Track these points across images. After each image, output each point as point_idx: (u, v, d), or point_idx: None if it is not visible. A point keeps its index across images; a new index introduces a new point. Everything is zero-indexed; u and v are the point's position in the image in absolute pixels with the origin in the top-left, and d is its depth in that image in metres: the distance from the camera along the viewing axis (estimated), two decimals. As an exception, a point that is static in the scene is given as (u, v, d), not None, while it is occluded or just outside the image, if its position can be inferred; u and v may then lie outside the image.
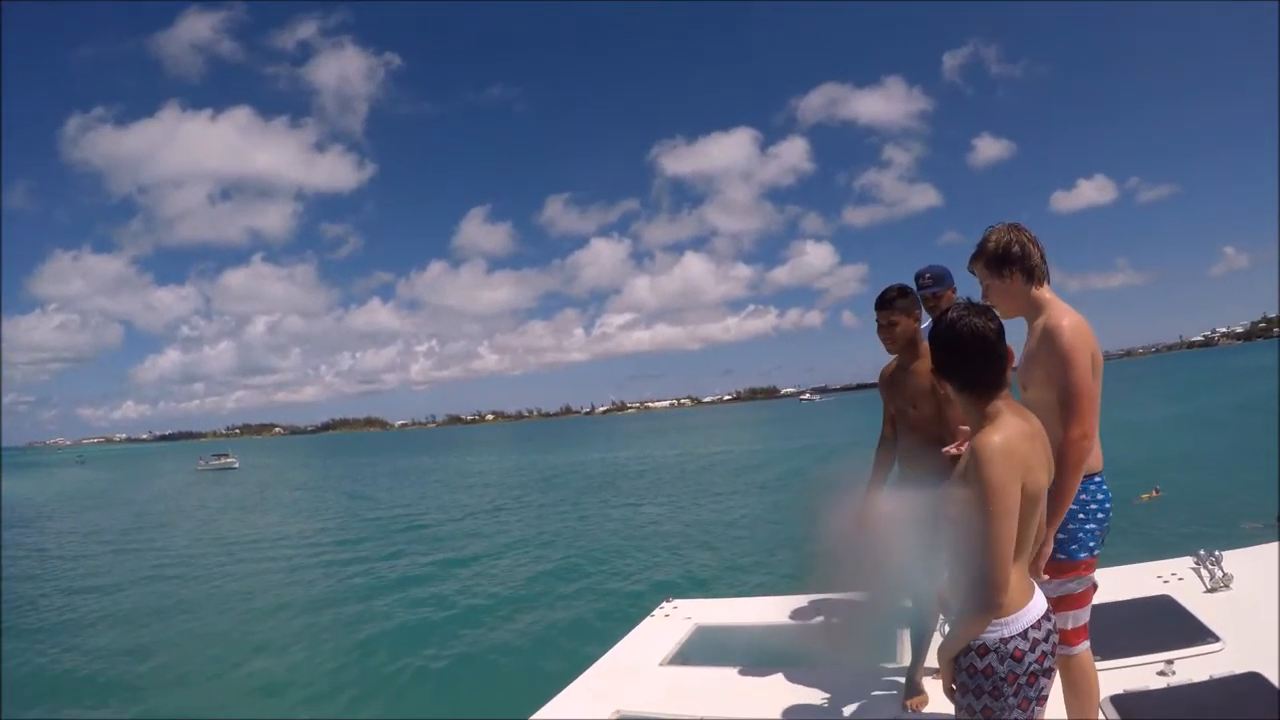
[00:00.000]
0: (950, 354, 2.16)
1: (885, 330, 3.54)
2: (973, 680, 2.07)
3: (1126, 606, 3.91)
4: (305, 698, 9.29)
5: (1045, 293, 2.79)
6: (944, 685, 2.20)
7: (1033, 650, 2.03)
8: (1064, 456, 2.51)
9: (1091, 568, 2.74)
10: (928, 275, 4.35)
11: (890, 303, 3.54)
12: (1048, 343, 2.66)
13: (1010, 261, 2.78)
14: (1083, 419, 2.57)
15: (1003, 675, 2.03)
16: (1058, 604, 2.60)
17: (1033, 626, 2.05)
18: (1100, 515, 2.74)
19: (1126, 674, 3.22)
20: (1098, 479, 2.76)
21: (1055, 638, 2.12)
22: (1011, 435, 2.02)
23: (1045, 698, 2.11)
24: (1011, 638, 2.03)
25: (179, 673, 10.39)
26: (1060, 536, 2.65)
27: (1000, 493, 1.95)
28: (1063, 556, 2.67)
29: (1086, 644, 2.75)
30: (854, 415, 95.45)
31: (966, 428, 2.36)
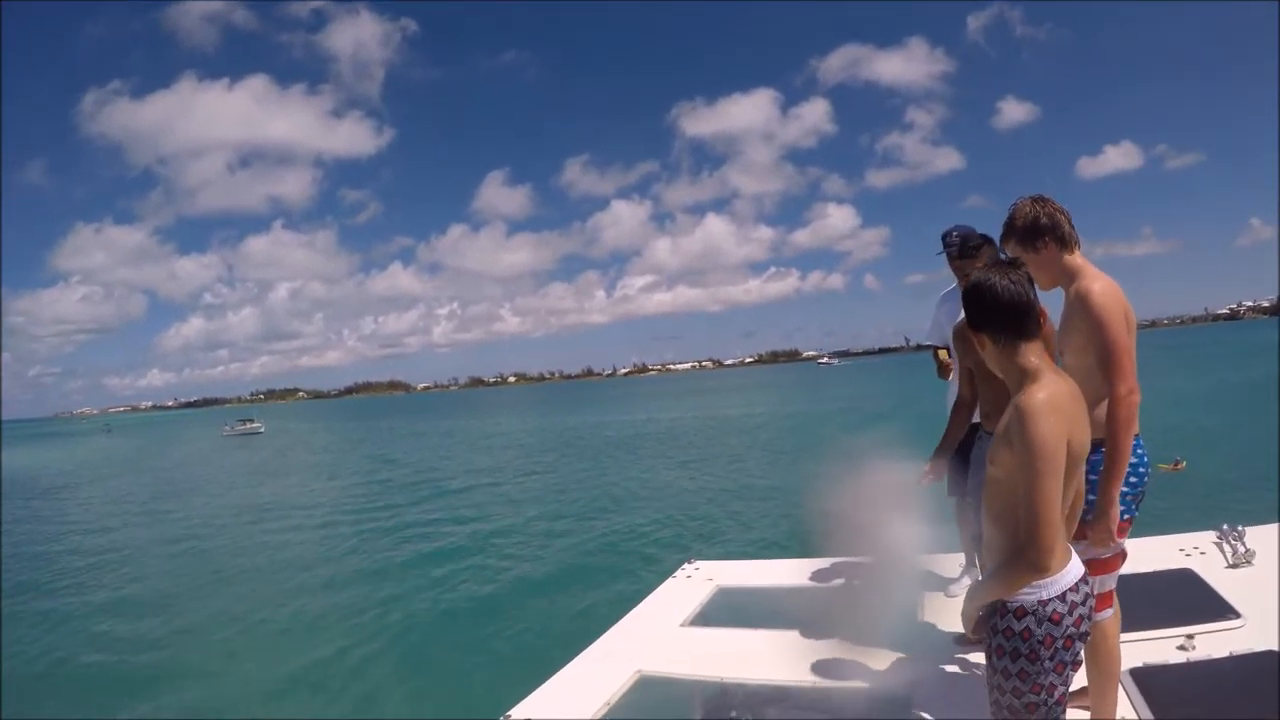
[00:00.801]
0: (983, 310, 2.15)
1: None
2: (1009, 642, 2.05)
3: (1148, 579, 3.91)
4: (331, 669, 9.38)
5: (1077, 259, 2.80)
6: (966, 629, 2.19)
7: (1070, 614, 2.01)
8: (1114, 414, 2.57)
9: (1124, 533, 2.75)
10: (956, 235, 4.21)
11: (977, 250, 3.42)
12: (1082, 307, 2.68)
13: (1041, 232, 2.79)
14: (1126, 374, 2.59)
15: (1040, 638, 2.01)
16: (1086, 567, 2.57)
17: (1070, 589, 2.02)
18: (1134, 479, 2.75)
19: (1146, 647, 3.22)
20: (1134, 440, 2.72)
21: (1092, 602, 2.11)
22: (1056, 392, 2.01)
23: (1079, 662, 2.10)
24: (1050, 600, 2.00)
25: (198, 652, 10.36)
26: (1090, 498, 2.63)
27: (1049, 451, 1.93)
28: (1093, 519, 2.66)
29: (1111, 611, 2.77)
30: (869, 379, 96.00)
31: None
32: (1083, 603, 2.05)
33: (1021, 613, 2.02)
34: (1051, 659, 2.01)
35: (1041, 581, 2.00)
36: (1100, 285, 2.68)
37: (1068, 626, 2.01)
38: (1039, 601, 2.00)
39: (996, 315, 2.11)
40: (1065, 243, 2.80)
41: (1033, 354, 2.08)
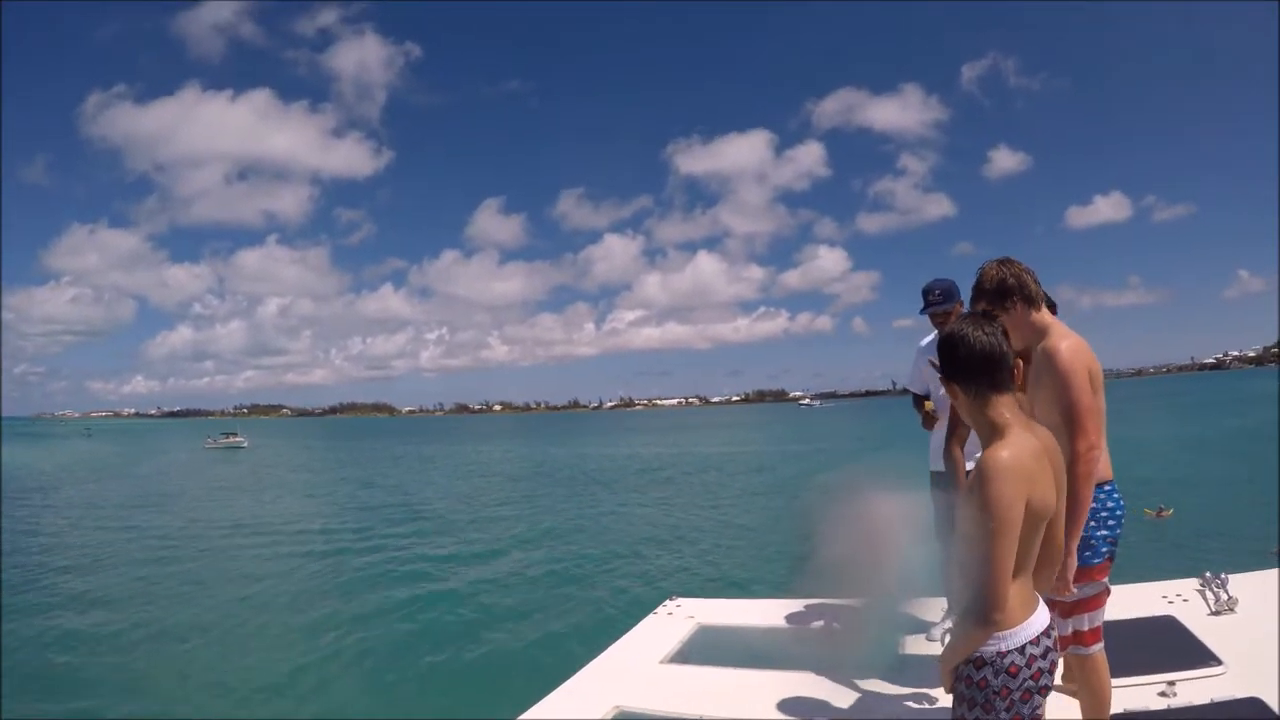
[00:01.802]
0: (955, 360, 2.17)
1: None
2: (968, 691, 2.07)
3: (1130, 625, 3.90)
4: (290, 692, 9.20)
5: (1045, 317, 2.97)
6: (945, 688, 2.20)
7: (1029, 666, 2.03)
8: (1073, 469, 2.63)
9: (1105, 572, 2.92)
10: (938, 291, 4.40)
11: (965, 317, 3.46)
12: (1049, 364, 2.83)
13: (1009, 293, 2.96)
14: (1087, 432, 2.73)
15: (996, 689, 2.03)
16: (1073, 607, 2.86)
17: (1031, 642, 2.04)
18: (1112, 522, 2.93)
19: (1128, 693, 3.20)
20: (1108, 487, 2.94)
21: (1055, 656, 2.11)
22: (1019, 451, 2.02)
23: (1039, 716, 2.10)
24: (1009, 652, 2.02)
25: (156, 663, 10.21)
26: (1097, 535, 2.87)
27: (1003, 510, 1.95)
28: (1077, 563, 2.79)
29: (1100, 645, 2.90)
30: (849, 421, 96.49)
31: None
32: (1042, 656, 2.06)
33: (980, 663, 2.04)
34: (1008, 710, 2.03)
35: (1002, 633, 2.02)
36: (1067, 344, 2.83)
37: (1025, 679, 2.03)
38: (997, 653, 2.03)
39: (969, 366, 2.13)
40: (1032, 301, 2.97)
41: (1004, 408, 2.11)
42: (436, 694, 8.88)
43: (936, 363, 2.25)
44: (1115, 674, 3.25)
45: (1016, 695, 2.02)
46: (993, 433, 2.10)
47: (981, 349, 2.12)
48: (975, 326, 2.15)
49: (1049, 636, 2.10)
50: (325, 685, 9.30)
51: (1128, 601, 4.15)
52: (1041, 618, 2.11)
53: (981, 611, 1.99)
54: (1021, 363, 2.25)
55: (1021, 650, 2.03)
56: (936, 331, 4.51)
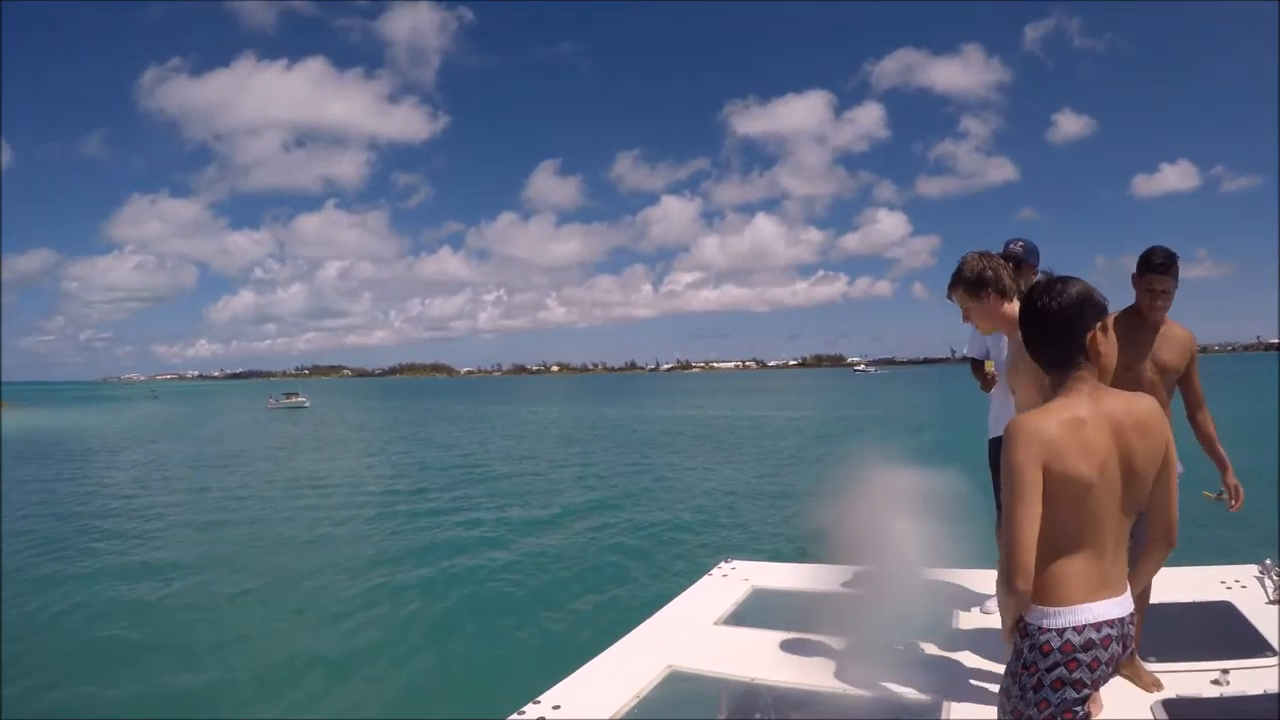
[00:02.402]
0: (1027, 330, 2.09)
1: (1162, 298, 3.43)
2: (1011, 656, 2.02)
3: (1185, 609, 3.87)
4: (346, 652, 9.35)
5: (1015, 307, 3.23)
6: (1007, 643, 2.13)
7: (1064, 652, 1.91)
8: None
9: None
10: (1012, 246, 4.35)
11: (1166, 269, 3.42)
12: (1024, 353, 2.91)
13: (985, 284, 3.34)
14: None
15: (1026, 662, 1.95)
16: None
17: (1075, 629, 1.91)
18: None
19: (1180, 679, 3.18)
20: None
21: (1105, 655, 1.94)
22: (1047, 418, 1.94)
23: (1072, 712, 1.94)
24: (1047, 630, 1.93)
25: (207, 629, 10.20)
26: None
27: (1014, 475, 1.90)
28: None
29: None
30: (904, 389, 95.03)
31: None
32: (1084, 649, 1.91)
33: (1023, 631, 1.98)
34: (1035, 690, 1.94)
35: (1049, 607, 1.93)
36: None
37: (1054, 663, 1.92)
38: (1038, 626, 1.94)
39: (1045, 341, 2.05)
40: (1005, 294, 3.35)
41: (1072, 375, 2.01)
42: (490, 656, 9.03)
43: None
44: (1168, 659, 3.26)
45: (1045, 676, 1.92)
46: (1051, 397, 2.03)
47: (1046, 322, 2.03)
48: (1055, 288, 2.04)
49: (1111, 628, 1.94)
50: (378, 646, 9.43)
51: (1184, 585, 4.11)
52: (1107, 608, 1.95)
53: (1002, 578, 1.93)
54: (1110, 329, 2.07)
55: (1060, 632, 1.91)
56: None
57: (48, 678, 8.60)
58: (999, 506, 4.29)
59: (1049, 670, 1.91)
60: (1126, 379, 3.12)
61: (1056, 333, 2.02)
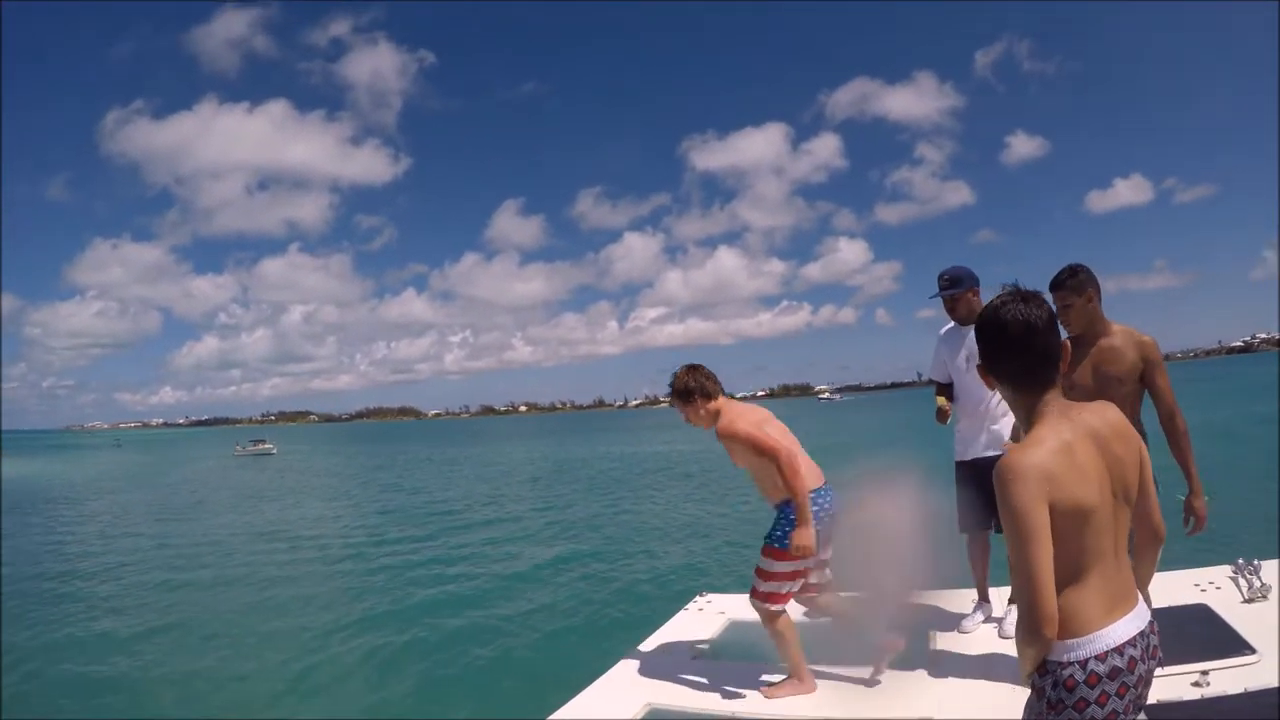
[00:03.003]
0: (994, 345, 1.97)
1: (1062, 313, 3.56)
2: (1031, 697, 1.91)
3: (1162, 614, 3.84)
4: (314, 695, 9.18)
5: (720, 402, 4.21)
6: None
7: (1089, 684, 1.79)
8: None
9: (782, 557, 3.85)
10: (945, 277, 4.54)
11: (1061, 284, 3.61)
12: (723, 439, 4.14)
13: (691, 393, 4.20)
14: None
15: (1051, 701, 1.83)
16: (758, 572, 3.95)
17: (1097, 658, 1.80)
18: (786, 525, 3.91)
19: (1160, 683, 3.14)
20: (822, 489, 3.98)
21: (1132, 678, 1.84)
22: (1039, 451, 1.82)
23: None
24: (1070, 664, 1.81)
25: (173, 670, 10.13)
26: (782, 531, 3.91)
27: (1021, 516, 1.77)
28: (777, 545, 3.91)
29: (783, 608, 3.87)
30: (868, 415, 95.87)
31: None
32: (1108, 675, 1.80)
33: (1043, 669, 1.86)
34: None
35: (1068, 640, 1.82)
36: (723, 423, 4.12)
37: (1083, 697, 1.80)
38: (1058, 663, 1.83)
39: (1001, 348, 1.96)
40: (710, 396, 4.21)
41: (1044, 397, 1.92)
42: (467, 696, 8.89)
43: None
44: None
45: (1075, 715, 1.80)
46: (1027, 423, 1.93)
47: (1021, 326, 1.91)
48: (1018, 301, 1.94)
49: (1135, 647, 1.85)
50: (351, 689, 9.30)
51: (1158, 590, 4.10)
52: (1126, 627, 1.86)
53: (1029, 629, 1.80)
54: (1069, 346, 2.02)
55: (1084, 664, 1.80)
56: (954, 321, 4.58)
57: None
58: (971, 527, 4.35)
59: (1078, 710, 1.80)
60: (1071, 395, 3.12)
61: (1042, 347, 1.92)
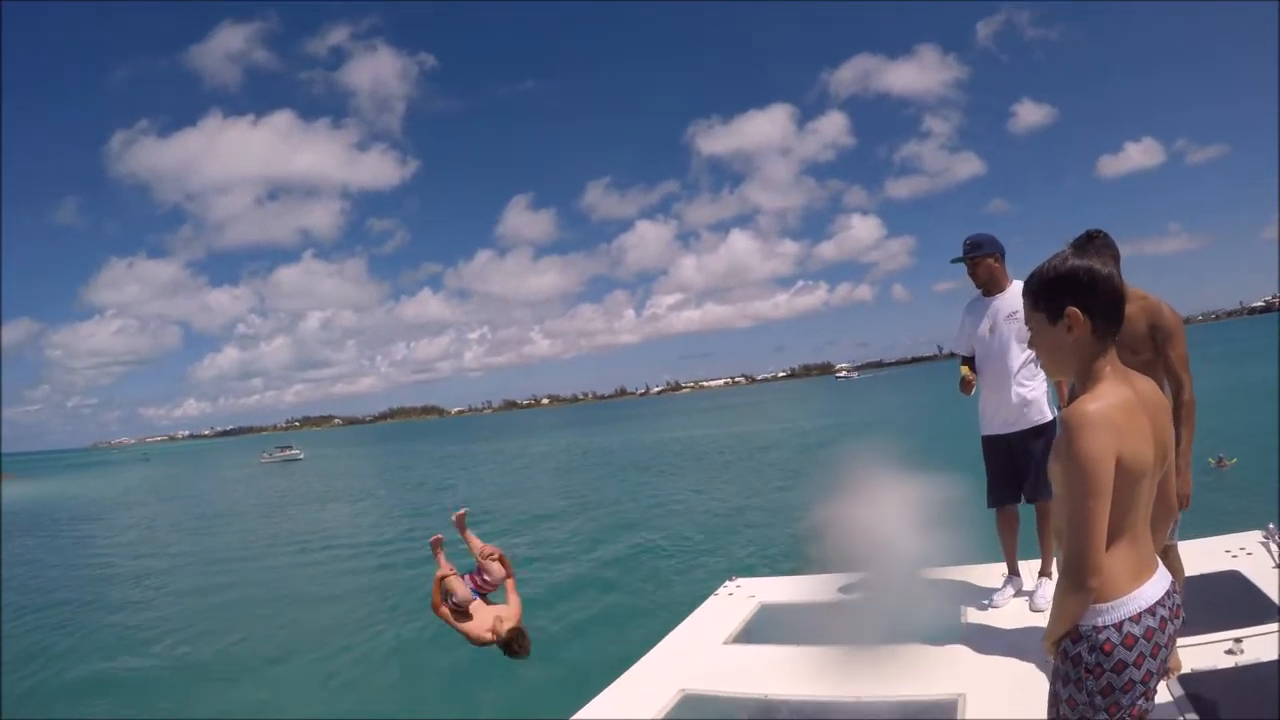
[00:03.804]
0: (1089, 290, 1.89)
1: None
2: (1063, 665, 1.89)
3: (1194, 582, 3.84)
4: (348, 694, 9.42)
5: None
6: (1050, 658, 2.01)
7: (1126, 646, 1.80)
8: None
9: None
10: (968, 241, 4.50)
11: (1081, 249, 3.53)
12: None
13: None
14: None
15: (1089, 666, 1.82)
16: None
17: (1131, 619, 1.81)
18: None
19: (1193, 652, 3.16)
20: None
21: (1163, 638, 1.85)
22: (1108, 403, 1.81)
23: (1136, 703, 1.84)
24: (1105, 628, 1.81)
25: (206, 684, 10.35)
26: None
27: (1090, 466, 1.75)
28: None
29: None
30: (887, 391, 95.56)
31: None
32: (1145, 637, 1.81)
33: (1076, 636, 1.85)
34: (1103, 695, 1.82)
35: (1100, 605, 1.83)
36: None
37: (1120, 658, 1.80)
38: (1093, 627, 1.83)
39: (1098, 298, 1.89)
40: None
41: (1106, 356, 1.91)
42: (502, 689, 8.97)
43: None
44: (1180, 633, 3.21)
45: (1112, 675, 1.81)
46: (1088, 380, 1.90)
47: (1114, 286, 1.89)
48: (1104, 263, 1.91)
49: (1164, 607, 1.87)
50: (391, 687, 9.49)
51: (1190, 556, 4.08)
52: (1153, 589, 1.87)
53: (1074, 578, 1.80)
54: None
55: (1119, 627, 1.81)
56: (976, 287, 4.59)
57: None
58: (1000, 503, 4.34)
59: (1116, 672, 1.81)
60: None
61: (1115, 293, 1.91)
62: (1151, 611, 1.83)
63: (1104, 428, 1.77)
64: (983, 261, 4.47)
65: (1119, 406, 1.82)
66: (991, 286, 4.47)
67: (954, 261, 4.55)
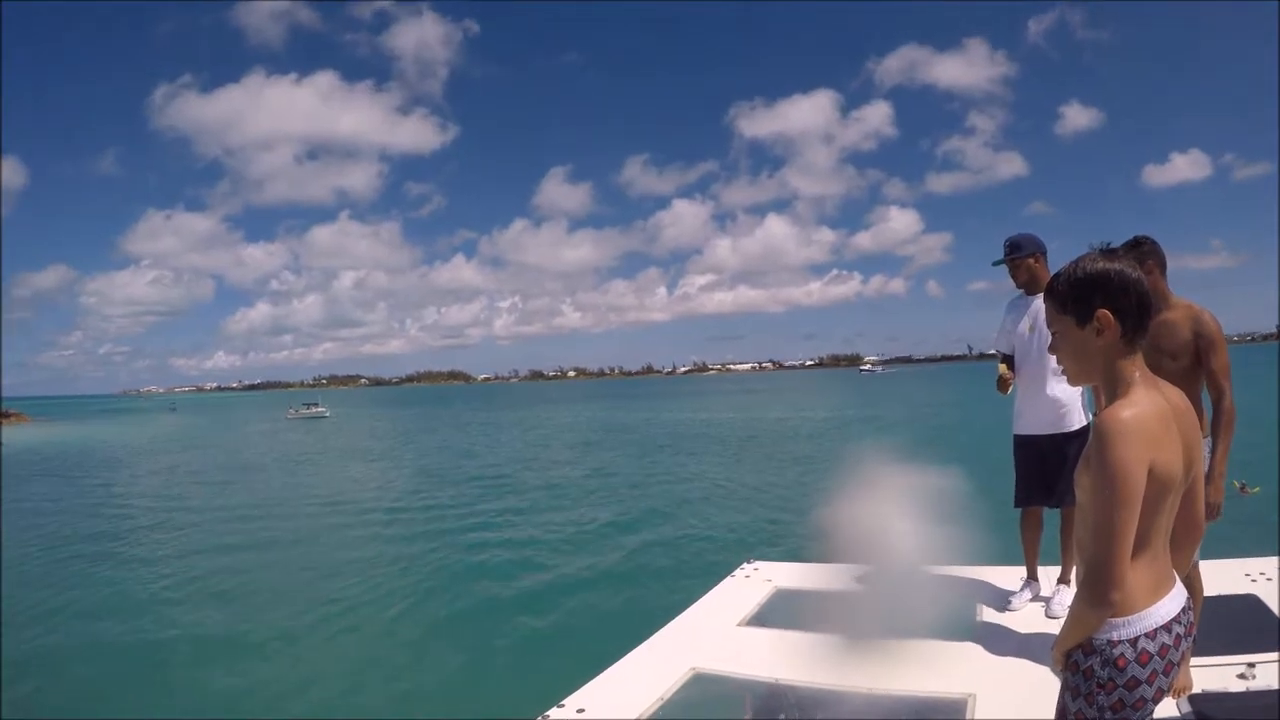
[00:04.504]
0: (1090, 292, 1.84)
1: None
2: (1074, 678, 1.85)
3: (1211, 603, 3.84)
4: (373, 647, 9.54)
5: None
6: (1055, 671, 1.98)
7: (1140, 663, 1.77)
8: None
9: None
10: (1009, 241, 4.48)
11: (1111, 254, 3.53)
12: None
13: None
14: None
15: (1101, 680, 1.78)
16: None
17: (1147, 635, 1.78)
18: None
19: (1206, 674, 3.16)
20: None
21: (1176, 655, 1.82)
22: (1143, 411, 1.76)
23: (1147, 714, 1.82)
24: (1119, 642, 1.78)
25: (240, 631, 10.42)
26: None
27: (1123, 475, 1.69)
28: None
29: None
30: (910, 387, 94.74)
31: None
32: (1159, 654, 1.78)
33: (1089, 649, 1.81)
34: (1113, 711, 1.78)
35: (1116, 619, 1.78)
36: None
37: (1133, 675, 1.77)
38: (1108, 641, 1.79)
39: (1127, 301, 1.82)
40: None
41: (1135, 362, 1.85)
42: (514, 654, 9.07)
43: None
44: (1193, 653, 3.21)
45: (1124, 691, 1.77)
46: (1118, 386, 1.84)
47: (1144, 290, 1.83)
48: (1133, 267, 1.86)
49: (1180, 624, 1.83)
50: (403, 651, 9.51)
51: (1209, 579, 4.07)
52: (1170, 605, 1.83)
53: (1096, 590, 1.74)
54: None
55: (1134, 642, 1.77)
56: (1018, 288, 4.57)
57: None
58: (1027, 504, 4.33)
59: (1129, 689, 1.77)
60: None
61: (1144, 299, 1.84)
62: (1167, 628, 1.80)
63: (1139, 436, 1.72)
64: (1023, 262, 4.44)
65: (1154, 415, 1.77)
66: (1033, 286, 4.41)
67: (995, 264, 4.54)
